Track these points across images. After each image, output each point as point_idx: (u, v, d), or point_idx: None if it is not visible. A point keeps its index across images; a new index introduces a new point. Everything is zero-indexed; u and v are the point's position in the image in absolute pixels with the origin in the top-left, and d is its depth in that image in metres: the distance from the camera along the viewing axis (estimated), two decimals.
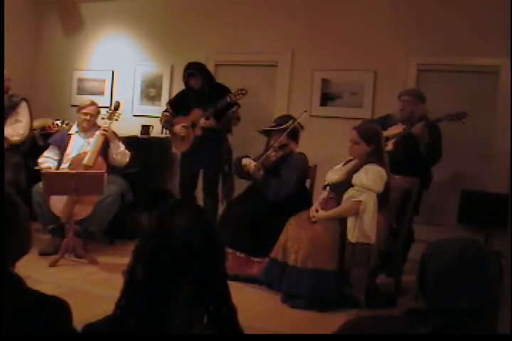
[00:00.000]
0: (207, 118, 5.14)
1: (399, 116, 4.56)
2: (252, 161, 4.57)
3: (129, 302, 1.43)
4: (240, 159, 4.70)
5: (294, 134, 4.60)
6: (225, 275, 1.51)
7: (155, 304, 1.40)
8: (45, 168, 5.00)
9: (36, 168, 5.16)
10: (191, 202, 1.64)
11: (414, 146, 4.35)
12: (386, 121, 4.60)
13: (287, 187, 4.41)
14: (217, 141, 5.28)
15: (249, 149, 5.49)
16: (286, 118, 4.68)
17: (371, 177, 3.87)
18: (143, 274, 1.42)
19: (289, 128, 4.51)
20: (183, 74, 5.31)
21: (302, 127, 4.67)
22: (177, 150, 5.47)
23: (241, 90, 5.03)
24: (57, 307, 1.53)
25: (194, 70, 5.23)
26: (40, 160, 5.15)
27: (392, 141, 4.41)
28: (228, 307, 1.49)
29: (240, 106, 5.23)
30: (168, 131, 5.56)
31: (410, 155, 4.36)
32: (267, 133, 4.71)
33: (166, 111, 5.51)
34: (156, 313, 1.39)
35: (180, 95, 5.54)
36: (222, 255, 1.52)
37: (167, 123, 5.42)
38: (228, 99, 5.05)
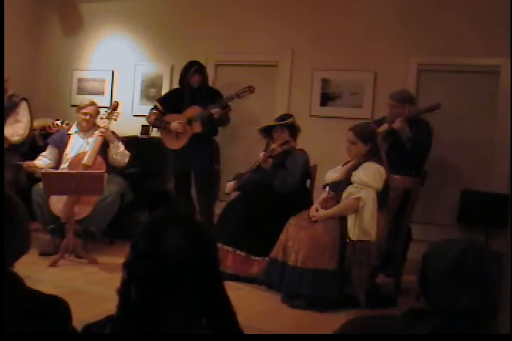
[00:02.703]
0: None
1: (388, 117, 4.67)
2: (231, 182, 4.74)
3: (126, 317, 1.41)
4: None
5: (294, 133, 4.67)
6: (222, 285, 1.48)
7: (153, 316, 1.38)
8: (32, 165, 4.92)
9: (22, 163, 5.00)
10: (180, 212, 1.57)
11: (397, 141, 4.44)
12: (381, 123, 4.66)
13: (293, 178, 4.47)
14: (205, 141, 5.27)
15: (249, 149, 5.50)
16: (287, 115, 4.78)
17: (370, 173, 3.88)
18: (137, 294, 1.39)
19: (291, 123, 4.61)
20: (185, 71, 5.27)
21: (299, 129, 4.72)
22: (172, 147, 5.34)
23: (249, 87, 5.06)
24: (56, 307, 1.53)
25: (199, 67, 5.24)
26: (38, 159, 5.14)
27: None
28: (227, 313, 1.49)
29: (230, 109, 5.23)
30: (157, 130, 5.48)
31: (396, 150, 4.43)
32: (267, 133, 4.73)
33: (154, 108, 5.43)
34: (155, 323, 1.38)
35: (173, 94, 5.52)
36: (217, 263, 1.47)
37: (158, 121, 5.33)
38: (235, 96, 5.07)
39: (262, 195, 4.52)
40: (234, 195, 4.76)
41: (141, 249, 1.41)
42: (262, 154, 4.63)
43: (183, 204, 5.40)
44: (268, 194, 4.50)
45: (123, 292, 1.41)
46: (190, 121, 5.17)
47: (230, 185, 4.74)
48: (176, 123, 5.21)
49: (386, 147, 4.39)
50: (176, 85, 5.94)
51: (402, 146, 4.43)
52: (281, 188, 4.48)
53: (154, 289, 1.38)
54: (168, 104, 5.38)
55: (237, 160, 5.69)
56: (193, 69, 5.21)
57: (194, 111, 5.18)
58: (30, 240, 1.61)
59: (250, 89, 5.07)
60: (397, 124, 4.42)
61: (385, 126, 4.55)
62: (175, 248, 1.38)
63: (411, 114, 4.51)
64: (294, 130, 4.67)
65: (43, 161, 5.07)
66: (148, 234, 1.42)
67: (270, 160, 4.58)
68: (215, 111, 5.07)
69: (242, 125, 5.64)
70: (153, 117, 5.38)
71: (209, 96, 5.23)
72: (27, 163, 4.95)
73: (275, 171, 4.54)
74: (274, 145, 4.63)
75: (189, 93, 5.26)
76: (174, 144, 5.30)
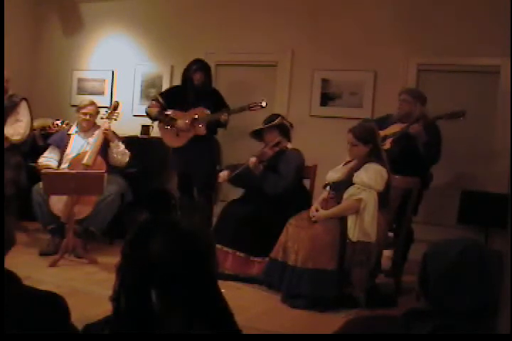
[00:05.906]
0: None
1: (396, 115, 4.57)
2: (224, 172, 4.75)
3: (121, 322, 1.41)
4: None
5: (285, 132, 4.63)
6: (216, 288, 1.48)
7: (145, 319, 1.38)
8: (46, 166, 4.99)
9: (35, 165, 5.12)
10: (166, 218, 1.56)
11: (412, 145, 4.35)
12: (386, 121, 4.61)
13: (286, 181, 4.44)
14: (206, 141, 5.26)
15: (249, 149, 5.49)
16: (274, 116, 4.71)
17: (372, 175, 3.88)
18: (125, 298, 1.39)
19: (279, 123, 4.56)
20: (187, 69, 5.28)
21: (292, 125, 4.69)
22: (170, 144, 5.36)
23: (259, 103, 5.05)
24: (54, 304, 1.53)
25: (202, 65, 5.25)
26: (41, 160, 5.15)
27: (390, 140, 4.42)
28: (223, 315, 1.48)
29: (230, 113, 5.22)
30: (158, 122, 5.44)
31: (408, 154, 4.35)
32: (259, 136, 4.71)
33: (154, 100, 5.42)
34: (150, 326, 1.38)
35: (175, 90, 5.50)
36: (210, 266, 1.46)
37: (161, 115, 5.31)
38: (246, 108, 5.09)
39: (261, 196, 4.51)
40: (233, 194, 4.76)
41: (126, 255, 1.42)
42: (253, 159, 4.56)
43: (186, 204, 5.41)
44: (267, 194, 4.49)
45: (115, 297, 1.42)
46: (193, 122, 5.18)
47: (223, 174, 4.73)
48: (182, 121, 5.19)
49: (397, 150, 4.33)
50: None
51: (415, 150, 4.34)
52: (273, 191, 4.44)
53: (142, 293, 1.38)
54: (170, 99, 5.36)
55: (237, 161, 5.67)
56: (195, 67, 5.23)
57: (200, 112, 5.17)
58: (15, 236, 1.61)
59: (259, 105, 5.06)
60: (415, 129, 4.30)
61: (397, 128, 4.44)
62: (157, 254, 1.39)
63: (430, 119, 4.36)
64: (284, 129, 4.62)
65: (53, 163, 5.10)
66: (133, 241, 1.45)
67: (261, 167, 4.54)
68: (223, 117, 5.09)
69: (241, 125, 5.63)
70: (156, 110, 5.35)
71: (214, 95, 5.20)
72: (41, 165, 5.01)
73: (266, 174, 4.50)
74: (265, 149, 4.59)
75: (193, 92, 5.25)
76: (173, 142, 5.31)
